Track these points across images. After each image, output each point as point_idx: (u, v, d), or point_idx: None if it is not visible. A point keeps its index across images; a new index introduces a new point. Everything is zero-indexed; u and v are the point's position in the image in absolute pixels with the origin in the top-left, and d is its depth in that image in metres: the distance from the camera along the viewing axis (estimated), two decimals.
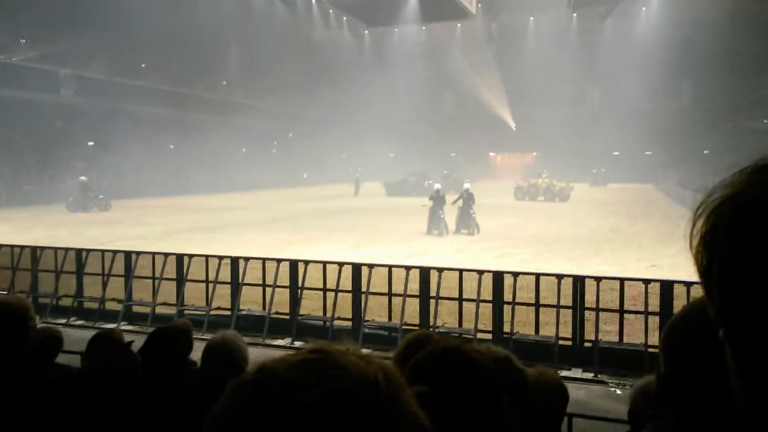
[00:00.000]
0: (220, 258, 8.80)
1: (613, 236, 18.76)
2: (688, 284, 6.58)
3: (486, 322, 7.60)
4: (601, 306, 7.17)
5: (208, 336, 5.77)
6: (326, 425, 0.51)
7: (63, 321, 8.88)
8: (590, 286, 7.21)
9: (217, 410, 0.56)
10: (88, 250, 9.86)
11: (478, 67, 57.64)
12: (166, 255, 9.09)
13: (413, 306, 8.02)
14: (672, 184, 38.30)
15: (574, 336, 7.24)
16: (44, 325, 5.60)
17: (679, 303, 6.62)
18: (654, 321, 6.75)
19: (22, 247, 9.92)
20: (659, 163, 50.93)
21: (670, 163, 49.13)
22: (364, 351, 0.63)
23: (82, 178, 29.02)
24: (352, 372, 0.55)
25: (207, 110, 50.28)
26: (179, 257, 9.02)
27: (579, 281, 7.20)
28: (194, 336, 3.82)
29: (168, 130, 45.24)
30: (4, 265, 9.86)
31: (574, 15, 57.42)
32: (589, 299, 7.22)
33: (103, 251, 9.73)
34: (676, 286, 6.76)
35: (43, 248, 9.95)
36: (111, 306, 9.19)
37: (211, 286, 8.71)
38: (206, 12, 45.56)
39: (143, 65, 47.65)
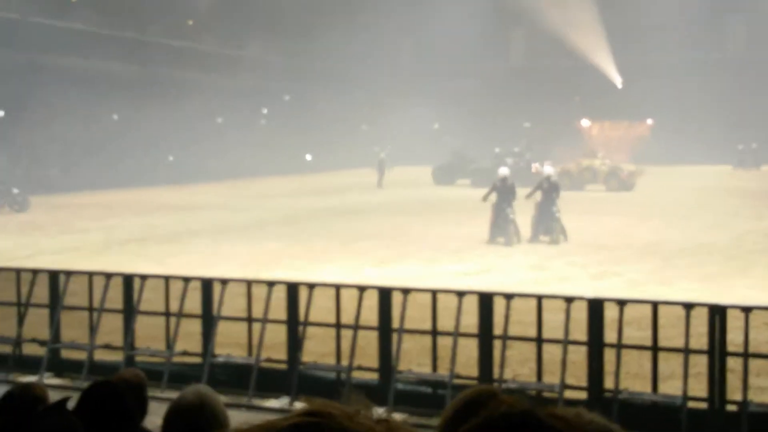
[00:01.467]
0: (187, 280, 8.87)
1: None
2: None
3: (578, 374, 7.55)
4: (751, 350, 7.05)
5: (169, 394, 5.81)
6: None
7: None
8: (735, 320, 7.11)
9: None
10: None
11: None
12: (109, 275, 9.17)
13: (469, 349, 7.98)
14: None
15: (711, 394, 7.13)
16: None
17: None
18: None
19: None
20: None
21: None
22: (397, 416, 0.63)
23: None
24: None
25: (165, 63, 50.68)
26: (127, 278, 9.11)
27: (718, 312, 7.10)
28: (149, 394, 3.87)
29: (109, 94, 45.67)
30: None
31: None
32: (733, 339, 7.12)
33: (17, 270, 9.84)
34: None
35: None
36: (30, 350, 9.31)
37: (173, 320, 8.79)
38: None
39: None
